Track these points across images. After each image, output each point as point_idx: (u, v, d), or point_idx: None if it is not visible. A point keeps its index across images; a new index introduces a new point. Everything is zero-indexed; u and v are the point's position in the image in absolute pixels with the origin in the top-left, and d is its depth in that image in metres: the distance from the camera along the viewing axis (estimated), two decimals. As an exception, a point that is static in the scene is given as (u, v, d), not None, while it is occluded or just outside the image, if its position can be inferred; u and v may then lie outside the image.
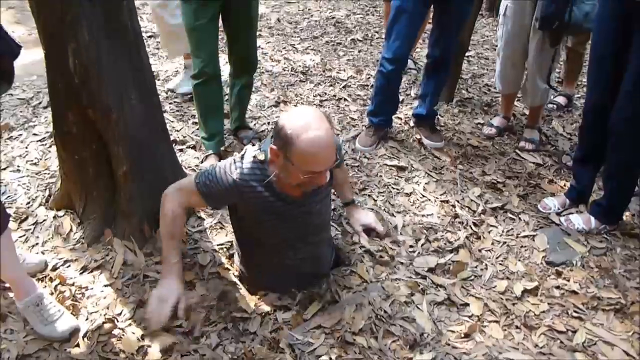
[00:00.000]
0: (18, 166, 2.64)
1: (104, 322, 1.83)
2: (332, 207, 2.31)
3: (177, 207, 1.82)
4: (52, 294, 1.93)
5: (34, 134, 2.94)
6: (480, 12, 4.55)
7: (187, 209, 1.99)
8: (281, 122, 1.60)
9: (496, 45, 3.27)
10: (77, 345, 1.76)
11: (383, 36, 2.97)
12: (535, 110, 3.22)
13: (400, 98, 3.51)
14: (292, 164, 1.60)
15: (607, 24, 2.26)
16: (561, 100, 3.69)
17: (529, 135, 3.22)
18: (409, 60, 4.02)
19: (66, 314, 1.83)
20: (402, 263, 2.22)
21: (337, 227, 2.37)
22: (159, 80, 3.71)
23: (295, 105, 3.47)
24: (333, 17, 5.34)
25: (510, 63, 3.10)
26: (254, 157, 1.75)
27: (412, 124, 3.27)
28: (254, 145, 1.85)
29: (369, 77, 3.93)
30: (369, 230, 2.34)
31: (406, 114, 3.39)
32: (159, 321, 1.75)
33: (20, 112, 3.21)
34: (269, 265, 1.99)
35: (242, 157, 1.78)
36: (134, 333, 1.80)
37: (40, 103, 3.30)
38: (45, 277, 2.01)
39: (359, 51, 4.53)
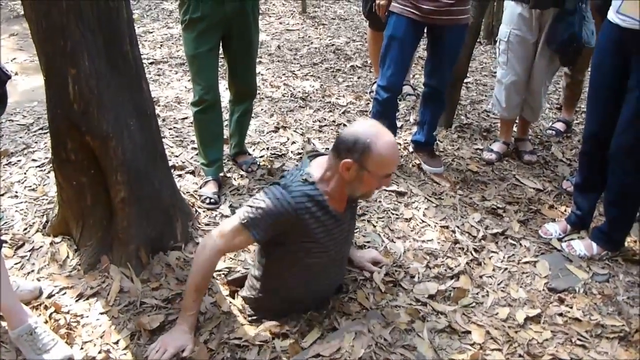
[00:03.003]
0: (16, 192, 2.63)
1: (98, 352, 1.80)
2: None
3: (214, 254, 1.80)
4: (46, 322, 1.90)
5: (33, 160, 2.94)
6: (478, 40, 4.60)
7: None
8: (351, 136, 1.70)
9: (494, 72, 3.30)
10: (71, 375, 1.73)
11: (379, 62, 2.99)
12: (529, 123, 3.40)
13: (399, 124, 3.52)
14: (368, 172, 1.69)
15: (605, 53, 2.28)
16: (560, 126, 3.71)
17: (528, 147, 3.35)
18: (407, 86, 4.07)
19: (60, 343, 1.79)
20: (402, 289, 2.19)
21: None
22: (159, 106, 3.74)
23: (295, 131, 3.47)
24: (333, 45, 5.40)
25: (515, 88, 3.13)
26: (304, 179, 1.77)
27: (411, 149, 3.28)
28: (286, 171, 1.87)
29: (368, 103, 3.95)
30: (375, 265, 2.32)
31: (405, 140, 3.40)
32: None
33: (20, 137, 3.22)
34: (313, 285, 1.97)
35: (291, 182, 1.77)
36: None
37: (40, 129, 3.32)
38: (40, 304, 1.98)
39: (358, 77, 4.56)
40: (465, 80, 3.85)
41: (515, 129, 3.49)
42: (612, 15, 2.20)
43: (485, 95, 4.29)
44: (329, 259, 1.93)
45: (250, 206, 1.75)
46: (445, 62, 2.89)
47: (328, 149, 1.85)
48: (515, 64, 3.06)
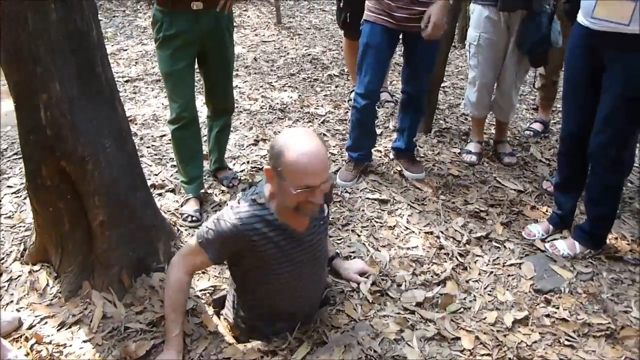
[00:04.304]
0: (-8, 220, 2.57)
1: (83, 381, 1.76)
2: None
3: (182, 275, 1.80)
4: (28, 354, 1.85)
5: (9, 186, 2.88)
6: (453, 44, 4.64)
7: (192, 277, 1.94)
8: (272, 142, 1.67)
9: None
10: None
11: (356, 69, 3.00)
12: (505, 124, 3.42)
13: (379, 131, 3.53)
14: (284, 180, 1.62)
15: (577, 55, 2.31)
16: (537, 126, 3.75)
17: (507, 149, 3.39)
18: (385, 93, 4.09)
19: None
20: (390, 298, 2.19)
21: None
22: (136, 124, 3.69)
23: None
24: (309, 54, 5.41)
25: (486, 90, 3.18)
26: (253, 200, 1.74)
27: (391, 156, 3.28)
28: (244, 190, 1.84)
29: (347, 112, 3.96)
30: (362, 275, 2.30)
31: (386, 147, 3.41)
32: None
33: (-5, 163, 3.15)
34: (276, 307, 1.94)
35: (238, 202, 1.77)
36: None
37: (15, 154, 3.25)
38: (21, 336, 1.92)
39: (336, 86, 4.57)
40: (442, 85, 3.88)
41: (492, 130, 3.53)
42: (581, 18, 2.23)
43: (463, 99, 4.32)
44: (293, 279, 1.87)
45: (207, 226, 1.75)
46: (421, 69, 2.91)
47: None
48: (485, 67, 3.10)
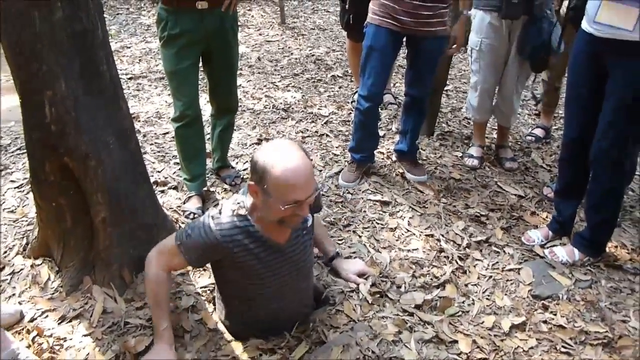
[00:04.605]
0: (-5, 214, 2.59)
1: (83, 376, 1.77)
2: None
3: (160, 271, 1.79)
4: (29, 346, 1.86)
5: (12, 181, 2.89)
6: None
7: (170, 272, 1.93)
8: (255, 157, 1.63)
9: (471, 79, 3.34)
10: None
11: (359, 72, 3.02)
12: (507, 129, 3.43)
13: (382, 133, 3.54)
14: (270, 197, 1.59)
15: (581, 62, 2.32)
16: (539, 132, 3.76)
17: (509, 154, 3.40)
18: (388, 95, 4.10)
19: None
20: (389, 300, 2.20)
21: (322, 265, 2.34)
22: (139, 121, 3.71)
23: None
24: (313, 55, 5.42)
25: (487, 94, 3.20)
26: (233, 211, 1.72)
27: (394, 158, 3.29)
28: (234, 193, 1.82)
29: (350, 113, 3.97)
30: (361, 276, 2.31)
31: (388, 149, 3.42)
32: None
33: (-2, 158, 3.17)
34: (257, 316, 1.94)
35: (219, 212, 1.74)
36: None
37: (18, 149, 3.27)
38: (23, 329, 1.94)
39: (340, 87, 4.58)
40: (445, 88, 3.89)
41: (494, 134, 3.54)
42: (585, 25, 2.24)
43: (465, 103, 4.33)
44: (274, 291, 1.86)
45: (185, 230, 1.73)
46: (424, 72, 2.92)
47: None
48: (487, 72, 3.11)
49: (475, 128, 3.46)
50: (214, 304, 2.13)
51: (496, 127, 3.52)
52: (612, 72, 2.19)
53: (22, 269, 2.22)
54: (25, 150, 3.12)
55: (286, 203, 1.59)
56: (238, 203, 1.73)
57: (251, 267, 1.77)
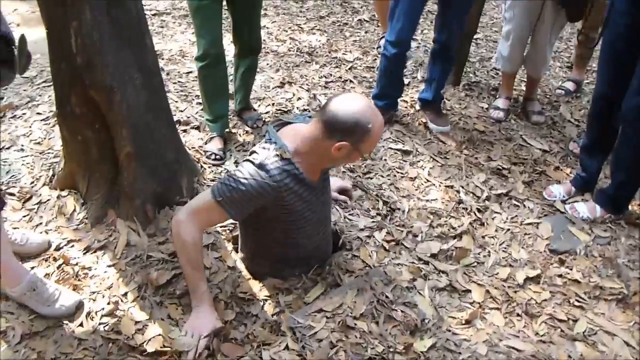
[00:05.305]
0: (22, 145, 2.64)
1: (107, 303, 1.85)
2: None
3: (196, 232, 1.72)
4: (54, 273, 1.94)
5: (38, 113, 2.93)
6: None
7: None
8: (350, 118, 1.60)
9: (503, 28, 3.23)
10: (81, 325, 1.77)
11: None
12: (537, 81, 3.33)
13: (406, 81, 3.47)
14: (358, 151, 1.67)
15: (619, 12, 2.21)
16: (570, 85, 3.65)
17: (536, 107, 3.31)
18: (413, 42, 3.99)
19: (65, 291, 1.84)
20: (405, 248, 2.22)
21: (339, 210, 2.36)
22: (162, 59, 3.68)
23: (301, 87, 3.43)
24: (340, -3, 5.25)
25: (520, 44, 3.10)
26: (279, 156, 1.69)
27: (417, 107, 3.24)
28: (266, 139, 1.78)
29: (375, 59, 3.88)
30: (343, 192, 2.33)
31: (412, 97, 3.36)
32: (193, 353, 1.69)
33: (24, 90, 3.19)
34: (295, 254, 1.97)
35: (264, 159, 1.68)
36: (133, 318, 1.81)
37: (44, 82, 3.29)
38: (49, 257, 2.01)
39: (366, 32, 4.46)
40: (474, 37, 3.77)
41: (523, 87, 3.44)
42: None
43: (495, 52, 4.20)
44: (311, 225, 1.90)
45: (226, 184, 1.67)
46: (455, 18, 2.82)
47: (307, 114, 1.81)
48: (521, 20, 3.00)
49: (503, 79, 3.36)
50: (234, 243, 2.18)
51: (525, 79, 3.42)
52: None
53: (48, 200, 2.28)
54: (50, 83, 3.14)
55: (368, 151, 1.72)
56: (280, 147, 1.70)
57: (295, 207, 1.78)
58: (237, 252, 2.16)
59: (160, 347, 1.71)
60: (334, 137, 1.62)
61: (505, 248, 2.28)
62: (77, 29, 1.80)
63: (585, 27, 3.46)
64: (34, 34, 3.45)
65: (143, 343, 1.72)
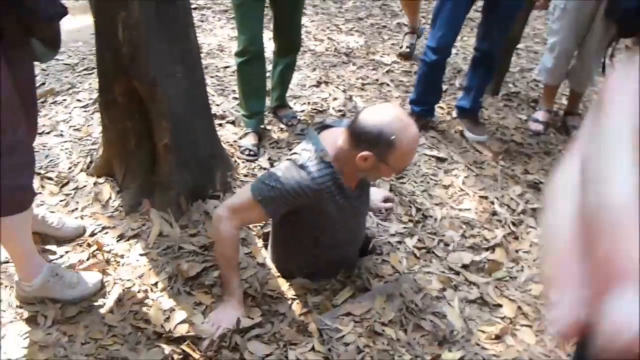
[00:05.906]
0: (61, 131, 2.69)
1: (137, 291, 1.86)
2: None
3: (234, 229, 1.74)
4: (88, 259, 1.97)
5: (78, 100, 2.98)
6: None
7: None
8: (374, 128, 1.57)
9: (547, 39, 3.16)
10: (111, 312, 1.79)
11: (430, 22, 2.89)
12: (580, 96, 3.24)
13: (444, 87, 3.43)
14: (386, 165, 1.62)
15: None
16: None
17: (577, 122, 3.20)
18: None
19: (83, 273, 1.85)
20: (436, 257, 2.19)
21: (372, 215, 2.34)
22: (201, 53, 3.70)
23: (337, 87, 3.42)
24: (379, -1, 5.23)
25: (565, 57, 3.02)
26: (321, 158, 1.68)
27: (454, 114, 3.20)
28: (303, 131, 1.78)
29: (413, 64, 3.85)
30: (387, 201, 2.31)
31: (449, 104, 3.32)
32: (208, 342, 1.71)
33: (65, 77, 3.26)
34: (325, 258, 1.96)
35: (307, 160, 1.68)
36: (161, 308, 1.82)
37: (85, 69, 3.34)
38: (84, 242, 2.04)
39: (404, 35, 4.42)
40: (516, 47, 3.70)
41: (564, 100, 3.36)
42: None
43: (536, 63, 4.11)
44: (345, 233, 1.89)
45: (266, 183, 1.67)
46: (499, 27, 2.77)
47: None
48: (569, 32, 2.91)
49: (545, 91, 3.29)
50: (264, 240, 2.18)
51: (566, 93, 3.34)
52: None
53: (85, 186, 2.31)
54: (91, 71, 3.20)
55: (400, 169, 1.67)
56: (322, 150, 1.69)
57: (329, 212, 1.76)
58: (266, 248, 2.16)
59: (185, 333, 1.72)
60: (360, 147, 1.60)
61: (539, 264, 2.23)
62: (124, 20, 1.83)
63: (636, 44, 3.37)
64: (78, 23, 3.52)
65: (170, 330, 1.73)
